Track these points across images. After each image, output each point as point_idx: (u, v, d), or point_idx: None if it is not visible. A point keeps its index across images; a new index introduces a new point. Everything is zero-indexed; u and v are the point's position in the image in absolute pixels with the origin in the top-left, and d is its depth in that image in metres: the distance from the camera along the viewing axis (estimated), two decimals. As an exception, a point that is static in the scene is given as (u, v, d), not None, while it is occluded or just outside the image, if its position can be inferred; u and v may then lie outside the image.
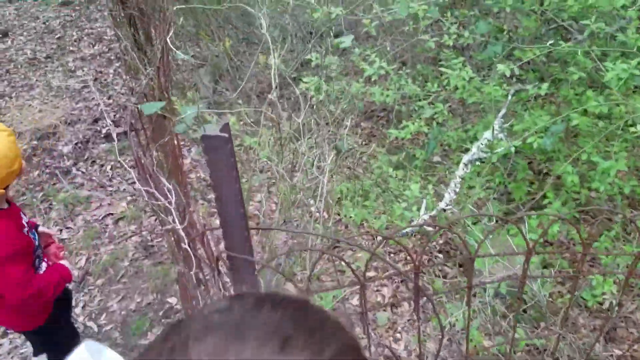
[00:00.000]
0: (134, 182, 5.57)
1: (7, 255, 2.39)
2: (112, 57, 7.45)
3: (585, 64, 2.67)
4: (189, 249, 1.91)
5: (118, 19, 5.28)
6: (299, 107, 4.67)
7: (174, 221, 1.89)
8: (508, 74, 2.58)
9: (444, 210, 2.66)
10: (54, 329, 2.94)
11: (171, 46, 3.11)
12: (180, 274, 3.17)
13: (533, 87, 2.76)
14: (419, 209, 2.66)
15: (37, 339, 3.08)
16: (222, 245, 1.68)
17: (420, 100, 3.38)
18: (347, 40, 2.76)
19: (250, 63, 5.42)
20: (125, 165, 2.33)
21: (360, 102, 3.05)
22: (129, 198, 5.19)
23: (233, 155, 1.51)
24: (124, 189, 5.31)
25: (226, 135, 1.47)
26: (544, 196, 3.05)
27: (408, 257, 3.65)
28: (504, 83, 2.88)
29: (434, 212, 2.63)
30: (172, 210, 1.95)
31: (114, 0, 5.04)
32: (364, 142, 5.02)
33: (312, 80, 3.06)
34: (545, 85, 2.70)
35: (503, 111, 2.80)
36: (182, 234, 1.90)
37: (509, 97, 2.80)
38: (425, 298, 1.56)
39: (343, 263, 3.35)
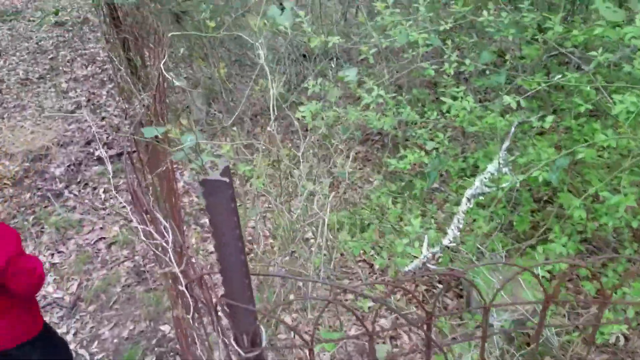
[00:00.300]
0: (126, 207, 5.50)
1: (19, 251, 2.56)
2: (105, 79, 7.39)
3: (590, 94, 2.63)
4: (185, 291, 1.84)
5: (112, 42, 5.23)
6: (292, 131, 4.61)
7: (170, 261, 1.82)
8: (515, 106, 2.54)
9: (447, 247, 2.59)
10: (52, 334, 3.03)
11: (165, 73, 3.05)
12: (177, 316, 3.10)
13: (537, 119, 2.71)
14: (421, 245, 2.60)
15: (35, 351, 3.00)
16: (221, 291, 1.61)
17: (416, 125, 3.34)
18: (351, 74, 2.72)
19: (243, 85, 5.37)
20: (121, 200, 2.25)
21: (359, 131, 3.00)
22: (121, 222, 5.10)
23: (234, 200, 1.45)
24: (117, 213, 5.21)
25: (227, 179, 1.41)
26: (548, 227, 3.00)
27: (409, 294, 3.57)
28: (506, 113, 2.84)
29: (437, 249, 2.56)
30: (169, 250, 1.88)
31: (108, 23, 5.00)
32: (358, 167, 4.97)
33: (308, 109, 3.01)
34: (550, 118, 2.66)
35: (507, 143, 2.75)
36: (180, 275, 1.83)
37: (512, 129, 2.75)
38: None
39: (344, 309, 3.27)
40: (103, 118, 6.55)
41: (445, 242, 2.59)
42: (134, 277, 4.51)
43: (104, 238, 4.91)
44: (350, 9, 4.87)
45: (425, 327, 1.39)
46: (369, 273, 3.97)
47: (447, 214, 3.37)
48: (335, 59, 3.88)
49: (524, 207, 3.07)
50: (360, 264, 3.91)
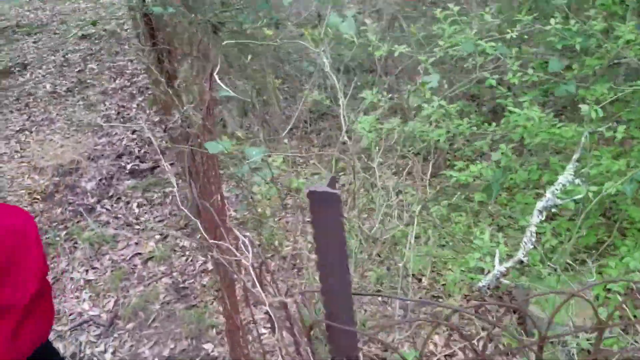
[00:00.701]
0: (162, 220, 5.42)
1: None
2: (135, 92, 7.35)
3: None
4: (271, 314, 1.72)
5: (147, 54, 5.16)
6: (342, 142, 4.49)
7: (256, 280, 1.71)
8: (594, 116, 2.42)
9: (522, 262, 2.47)
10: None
11: (220, 83, 2.96)
12: (231, 329, 2.97)
13: (608, 129, 2.60)
14: (492, 260, 2.48)
15: None
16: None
17: (465, 137, 3.22)
18: (433, 80, 2.62)
19: (284, 97, 5.29)
20: (188, 214, 2.14)
21: (423, 143, 2.89)
22: (157, 237, 5.01)
23: (342, 215, 1.34)
24: (152, 228, 5.13)
25: (338, 192, 1.30)
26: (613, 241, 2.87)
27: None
28: (576, 124, 2.73)
29: (510, 264, 2.44)
30: (250, 268, 1.77)
31: (145, 34, 4.92)
32: (402, 181, 4.86)
33: (366, 120, 2.91)
34: (621, 128, 2.54)
35: (577, 154, 2.63)
36: (262, 295, 1.71)
37: (583, 139, 2.64)
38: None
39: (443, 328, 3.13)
40: (134, 131, 6.49)
41: (520, 256, 2.47)
42: (173, 293, 4.40)
43: (140, 254, 4.82)
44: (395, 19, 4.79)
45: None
46: (417, 288, 3.84)
47: (505, 226, 3.25)
48: (379, 71, 3.78)
49: (590, 220, 2.95)
50: (408, 278, 3.79)
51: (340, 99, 2.21)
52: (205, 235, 2.14)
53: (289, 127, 2.89)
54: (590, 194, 2.48)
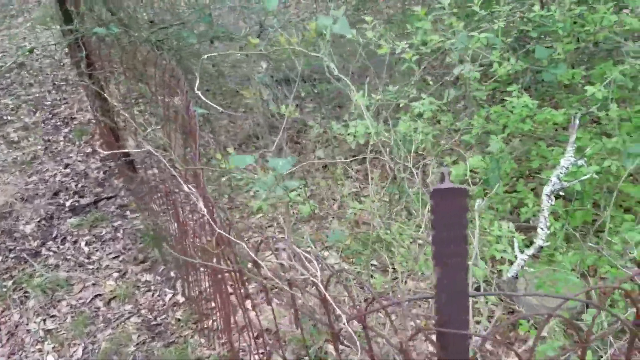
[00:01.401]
0: (117, 257, 5.05)
1: None
2: (59, 123, 6.87)
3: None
4: (350, 330, 1.59)
5: (85, 81, 4.80)
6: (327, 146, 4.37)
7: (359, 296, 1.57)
8: (600, 96, 2.47)
9: (541, 247, 2.47)
10: None
11: (205, 99, 2.78)
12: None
13: (600, 110, 2.67)
14: (512, 249, 2.46)
15: None
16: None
17: (456, 132, 3.22)
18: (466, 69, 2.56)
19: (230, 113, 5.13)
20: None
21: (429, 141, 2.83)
22: (115, 275, 4.66)
23: (467, 210, 1.24)
24: (107, 266, 4.76)
25: (465, 187, 1.20)
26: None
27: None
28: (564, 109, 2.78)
29: (531, 251, 2.43)
30: (319, 284, 1.62)
31: (82, 60, 4.57)
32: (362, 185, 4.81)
33: (362, 124, 2.82)
34: (614, 106, 2.61)
35: (574, 136, 2.68)
36: (342, 315, 1.57)
37: (577, 121, 2.69)
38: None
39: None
40: (67, 165, 6.04)
41: (540, 242, 2.47)
42: (146, 332, 4.09)
43: (101, 294, 4.45)
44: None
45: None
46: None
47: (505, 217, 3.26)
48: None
49: (586, 200, 3.02)
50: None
51: (366, 110, 2.10)
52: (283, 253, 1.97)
53: (276, 140, 2.74)
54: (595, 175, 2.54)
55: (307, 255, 1.65)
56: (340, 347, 3.43)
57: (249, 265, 2.57)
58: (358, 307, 1.78)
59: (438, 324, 1.38)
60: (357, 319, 1.55)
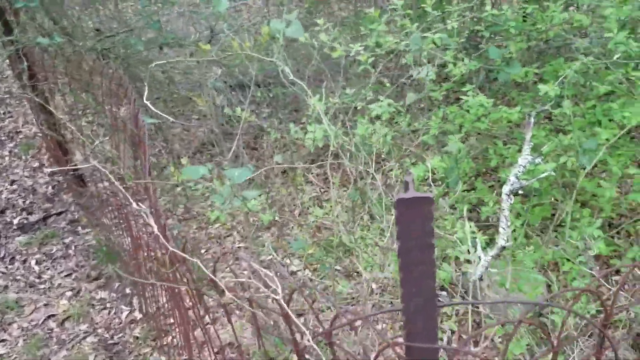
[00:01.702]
0: (70, 275, 4.85)
1: None
2: (3, 138, 6.59)
3: (606, 76, 2.64)
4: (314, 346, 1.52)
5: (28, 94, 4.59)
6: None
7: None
8: (553, 94, 2.47)
9: (504, 247, 2.45)
10: None
11: (154, 108, 2.66)
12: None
13: (553, 107, 2.68)
14: (476, 250, 2.44)
15: None
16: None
17: (414, 133, 3.20)
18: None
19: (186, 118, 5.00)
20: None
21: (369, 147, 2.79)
22: (68, 294, 4.47)
23: (433, 219, 1.19)
24: (60, 284, 4.57)
25: (431, 195, 1.15)
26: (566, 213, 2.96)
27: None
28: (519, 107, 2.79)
29: (495, 251, 2.42)
30: (280, 301, 1.54)
31: (24, 73, 4.35)
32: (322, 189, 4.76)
33: (321, 128, 2.76)
34: (567, 102, 2.63)
35: (529, 134, 2.68)
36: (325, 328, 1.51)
37: (532, 120, 2.69)
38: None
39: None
40: (12, 182, 5.79)
41: (502, 242, 2.45)
42: (103, 352, 3.93)
43: (54, 315, 4.26)
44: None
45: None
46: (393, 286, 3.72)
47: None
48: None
49: (544, 197, 3.03)
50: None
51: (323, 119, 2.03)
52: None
53: (232, 148, 2.65)
54: (553, 172, 2.54)
55: (266, 271, 1.57)
56: None
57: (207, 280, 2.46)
58: (323, 318, 1.71)
59: (406, 338, 1.33)
60: (323, 334, 1.48)
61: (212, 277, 1.37)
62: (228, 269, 4.23)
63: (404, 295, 1.26)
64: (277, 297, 1.47)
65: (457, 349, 1.32)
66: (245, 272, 3.63)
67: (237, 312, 3.79)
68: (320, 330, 1.37)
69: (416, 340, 1.32)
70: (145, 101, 2.72)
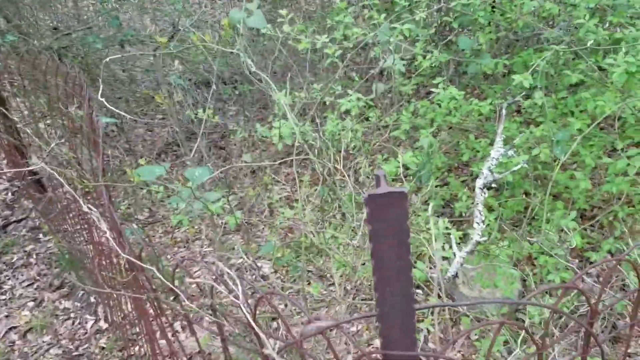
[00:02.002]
0: (32, 284, 4.64)
1: None
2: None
3: (577, 65, 2.60)
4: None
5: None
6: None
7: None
8: (528, 85, 2.41)
9: (479, 243, 2.38)
10: None
11: (111, 107, 2.53)
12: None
13: (525, 98, 2.62)
14: (451, 247, 2.36)
15: None
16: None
17: (385, 128, 3.12)
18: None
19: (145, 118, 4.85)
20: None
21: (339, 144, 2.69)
22: (30, 304, 4.27)
23: (408, 215, 1.09)
24: (21, 295, 4.37)
25: (404, 189, 1.05)
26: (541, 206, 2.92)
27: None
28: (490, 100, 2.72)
29: (469, 247, 2.35)
30: (244, 311, 1.44)
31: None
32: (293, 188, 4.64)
33: (286, 125, 2.65)
34: (539, 94, 2.57)
35: (501, 126, 2.62)
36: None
37: (504, 112, 2.63)
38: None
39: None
40: (-30, 188, 5.54)
41: (476, 237, 2.38)
42: (67, 364, 3.76)
43: (15, 327, 4.07)
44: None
45: None
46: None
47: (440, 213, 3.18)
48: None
49: (517, 190, 2.98)
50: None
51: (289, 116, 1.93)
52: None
53: (194, 148, 2.53)
54: (526, 165, 2.48)
55: (234, 276, 1.46)
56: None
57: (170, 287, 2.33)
58: (296, 322, 1.61)
59: (383, 346, 1.23)
60: (295, 344, 1.38)
61: (171, 285, 1.25)
62: (198, 273, 4.10)
63: (379, 300, 1.17)
64: (242, 306, 1.36)
65: (438, 354, 1.23)
66: (214, 277, 3.49)
67: (207, 318, 3.66)
68: (289, 339, 1.27)
69: (394, 348, 1.23)
70: (100, 98, 2.58)
